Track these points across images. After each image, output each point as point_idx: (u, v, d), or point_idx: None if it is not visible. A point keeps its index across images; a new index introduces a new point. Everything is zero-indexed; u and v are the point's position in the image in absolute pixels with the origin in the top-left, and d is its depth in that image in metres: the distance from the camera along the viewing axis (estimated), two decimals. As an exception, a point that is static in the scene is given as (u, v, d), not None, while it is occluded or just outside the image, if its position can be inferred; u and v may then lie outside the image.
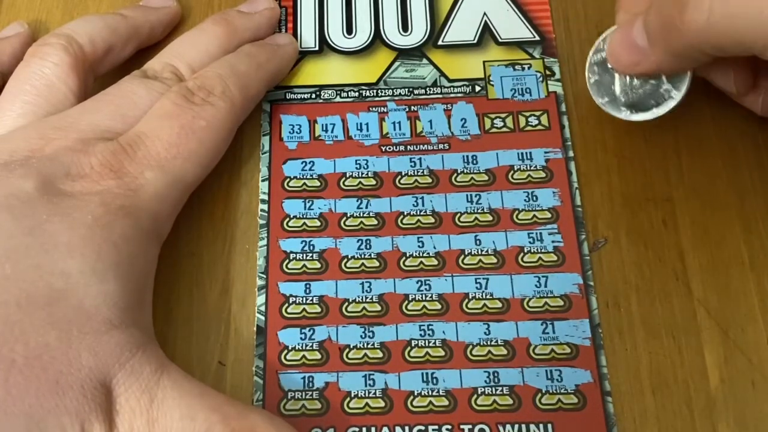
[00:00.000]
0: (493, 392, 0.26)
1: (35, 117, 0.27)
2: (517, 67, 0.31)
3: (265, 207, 0.29)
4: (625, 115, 0.28)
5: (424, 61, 0.32)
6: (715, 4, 0.23)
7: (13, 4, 0.34)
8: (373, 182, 0.30)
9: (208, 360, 0.27)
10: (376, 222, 0.29)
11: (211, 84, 0.27)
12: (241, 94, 0.28)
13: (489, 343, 0.27)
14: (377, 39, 0.33)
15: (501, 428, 0.25)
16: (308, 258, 0.28)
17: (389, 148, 0.30)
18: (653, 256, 0.28)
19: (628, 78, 0.27)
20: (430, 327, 0.27)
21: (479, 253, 0.28)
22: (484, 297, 0.27)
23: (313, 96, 0.31)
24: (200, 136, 0.26)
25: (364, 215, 0.29)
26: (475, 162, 0.30)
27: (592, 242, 0.28)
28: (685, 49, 0.25)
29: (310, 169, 0.30)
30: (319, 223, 0.29)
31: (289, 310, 0.27)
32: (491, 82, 0.31)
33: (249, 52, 0.30)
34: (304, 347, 0.27)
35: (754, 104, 0.28)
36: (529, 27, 0.32)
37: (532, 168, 0.29)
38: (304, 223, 0.29)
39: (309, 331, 0.27)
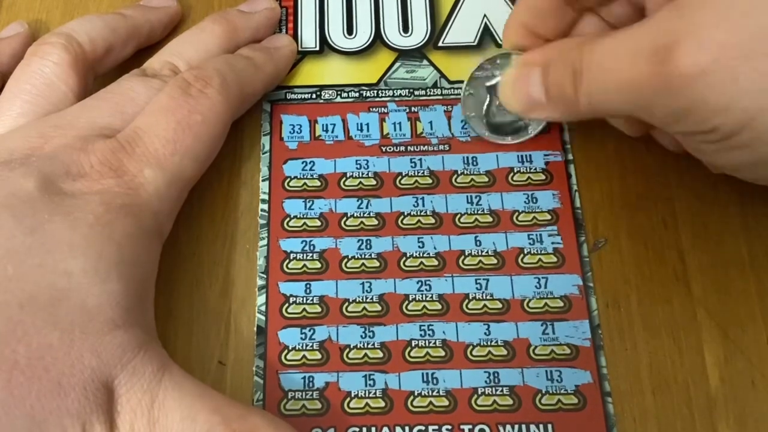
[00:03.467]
0: (493, 392, 0.26)
1: (35, 116, 0.27)
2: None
3: (265, 207, 0.29)
4: (485, 134, 0.30)
5: (425, 62, 0.32)
6: (591, 83, 0.24)
7: (13, 4, 0.34)
8: (374, 182, 0.30)
9: (208, 360, 0.27)
10: (376, 222, 0.29)
11: (209, 75, 0.27)
12: (237, 89, 0.28)
13: (489, 343, 0.27)
14: (378, 40, 0.33)
15: (501, 428, 0.25)
16: (308, 258, 0.28)
17: (390, 149, 0.30)
18: (653, 256, 0.28)
19: (496, 103, 0.29)
20: (431, 327, 0.27)
21: (479, 253, 0.28)
22: (484, 297, 0.27)
23: (314, 96, 0.31)
24: (196, 131, 0.26)
25: (365, 215, 0.29)
26: (475, 163, 0.30)
27: (592, 242, 0.28)
28: (579, 117, 0.26)
29: (310, 169, 0.30)
30: (319, 223, 0.29)
31: (289, 310, 0.27)
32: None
33: (246, 54, 0.30)
34: (304, 347, 0.27)
35: (662, 141, 0.29)
36: (530, 28, 0.32)
37: (531, 170, 0.30)
38: (305, 223, 0.29)
39: (309, 331, 0.27)
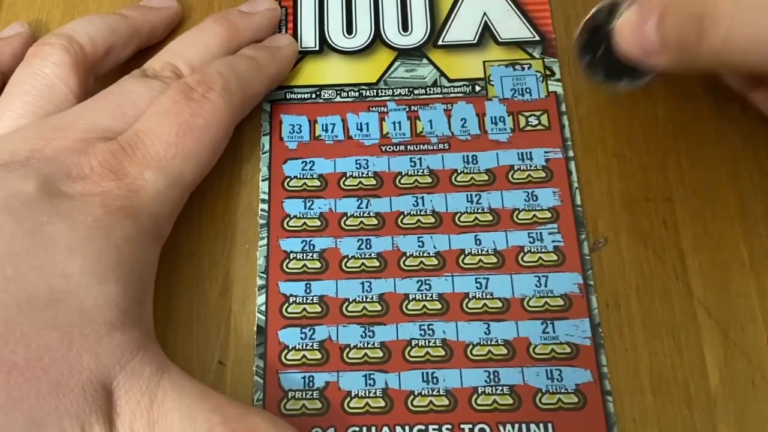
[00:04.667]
0: (494, 392, 0.26)
1: (35, 117, 0.27)
2: (517, 67, 0.31)
3: (265, 207, 0.29)
4: (599, 79, 0.28)
5: (424, 61, 0.32)
6: (733, 29, 0.22)
7: (13, 4, 0.34)
8: (374, 182, 0.30)
9: (208, 360, 0.27)
10: (376, 222, 0.29)
11: (211, 80, 0.27)
12: (239, 93, 0.28)
13: (489, 342, 0.27)
14: (377, 39, 0.33)
15: (501, 428, 0.25)
16: (308, 258, 0.28)
17: (389, 148, 0.30)
18: (653, 256, 0.28)
19: (612, 49, 0.27)
20: (431, 327, 0.27)
21: (479, 252, 0.28)
22: (484, 297, 0.27)
23: (314, 96, 0.31)
24: (198, 135, 0.26)
25: (365, 215, 0.29)
26: (475, 162, 0.30)
27: (592, 242, 0.28)
28: (697, 65, 0.25)
29: (310, 169, 0.30)
30: (319, 223, 0.29)
31: (289, 310, 0.28)
32: (491, 82, 0.31)
33: (249, 54, 0.30)
34: (304, 347, 0.27)
35: (761, 102, 0.28)
36: (529, 27, 0.32)
37: (532, 168, 0.29)
38: (305, 223, 0.29)
39: (309, 330, 0.27)
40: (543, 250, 0.28)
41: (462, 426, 0.26)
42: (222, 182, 0.30)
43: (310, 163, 0.30)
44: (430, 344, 0.27)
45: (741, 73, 0.27)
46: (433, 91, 0.31)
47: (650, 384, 0.26)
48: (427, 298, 0.28)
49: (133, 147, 0.25)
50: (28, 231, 0.22)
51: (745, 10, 0.22)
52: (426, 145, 0.30)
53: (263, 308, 0.28)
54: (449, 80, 0.31)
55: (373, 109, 0.31)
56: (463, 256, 0.28)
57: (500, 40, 0.32)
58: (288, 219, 0.29)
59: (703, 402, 0.26)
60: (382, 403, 0.26)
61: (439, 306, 0.27)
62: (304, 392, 0.26)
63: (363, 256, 0.28)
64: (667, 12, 0.24)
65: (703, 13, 0.23)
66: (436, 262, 0.28)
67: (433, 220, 0.29)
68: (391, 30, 0.33)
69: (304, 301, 0.28)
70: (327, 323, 0.27)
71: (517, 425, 0.25)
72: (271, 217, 0.29)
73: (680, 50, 0.24)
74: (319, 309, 0.27)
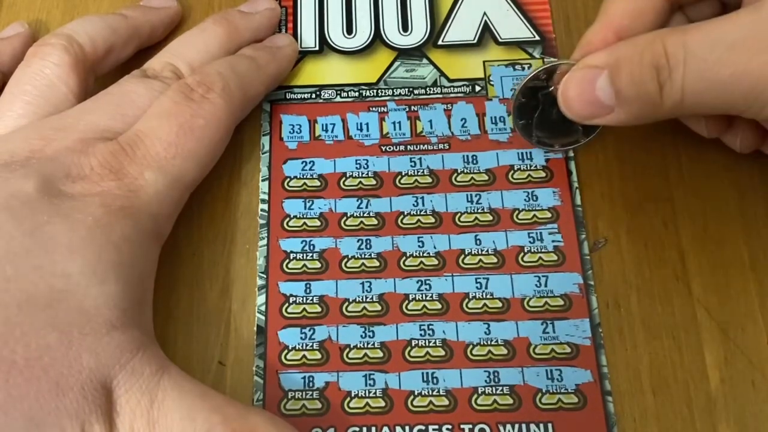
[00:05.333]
0: (494, 392, 0.26)
1: (36, 117, 0.27)
2: (517, 67, 0.31)
3: (265, 207, 0.29)
4: (534, 142, 0.29)
5: (424, 61, 0.32)
6: (688, 76, 0.22)
7: (13, 4, 0.34)
8: (373, 182, 0.30)
9: (208, 360, 0.27)
10: (376, 222, 0.29)
11: (211, 80, 0.27)
12: (240, 93, 0.28)
13: (489, 342, 0.27)
14: (377, 39, 0.33)
15: (501, 428, 0.25)
16: (308, 258, 0.28)
17: (389, 148, 0.30)
18: (653, 256, 0.28)
19: (549, 111, 0.28)
20: (431, 327, 0.27)
21: (479, 252, 0.28)
22: (484, 297, 0.27)
23: (313, 96, 0.31)
24: (198, 135, 0.26)
25: (364, 215, 0.29)
26: (475, 162, 0.30)
27: (592, 243, 0.28)
28: (658, 117, 0.25)
29: (310, 169, 0.30)
30: (319, 223, 0.29)
31: (289, 310, 0.27)
32: (491, 82, 0.31)
33: (249, 54, 0.30)
34: (304, 347, 0.27)
35: (732, 143, 0.28)
36: (529, 27, 0.32)
37: (532, 168, 0.29)
38: (304, 223, 0.29)
39: (309, 330, 0.27)
40: (543, 250, 0.28)
41: (462, 426, 0.26)
42: (222, 182, 0.30)
43: (310, 163, 0.30)
44: (430, 344, 0.27)
45: (708, 118, 0.27)
46: (433, 91, 0.31)
47: (650, 384, 0.26)
48: (427, 298, 0.27)
49: (133, 147, 0.25)
50: (28, 231, 0.22)
51: (693, 57, 0.22)
52: (426, 145, 0.30)
53: (263, 308, 0.28)
54: (449, 80, 0.31)
55: (373, 109, 0.31)
56: (463, 256, 0.28)
57: (500, 40, 0.32)
58: (288, 219, 0.29)
59: (703, 402, 0.26)
60: (382, 404, 0.26)
61: (439, 306, 0.27)
62: (304, 392, 0.26)
63: (363, 256, 0.28)
64: (618, 66, 0.24)
65: (660, 65, 0.23)
66: (436, 262, 0.28)
67: (433, 220, 0.29)
68: (391, 30, 0.33)
69: (304, 301, 0.28)
70: (327, 323, 0.27)
71: (517, 425, 0.25)
72: (271, 217, 0.29)
73: (640, 104, 0.24)
74: (319, 309, 0.27)
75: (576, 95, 0.26)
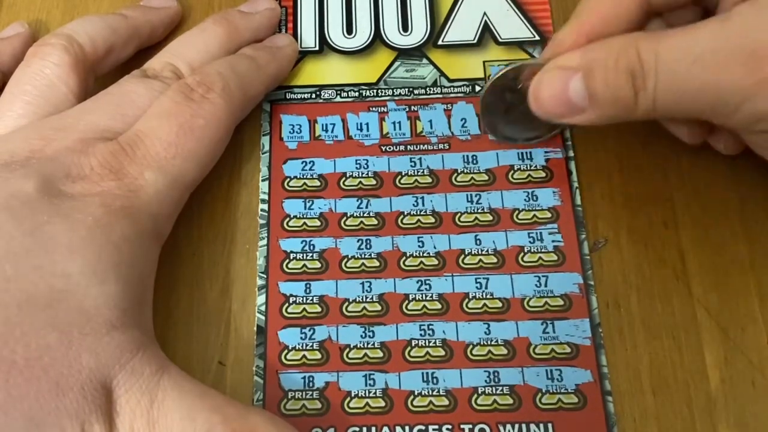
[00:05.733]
0: (494, 392, 0.26)
1: (36, 117, 0.27)
2: (517, 66, 0.31)
3: (265, 207, 0.29)
4: (496, 137, 0.30)
5: (424, 61, 0.32)
6: (660, 82, 0.23)
7: (13, 4, 0.34)
8: (373, 182, 0.30)
9: (208, 360, 0.27)
10: (376, 222, 0.29)
11: (211, 80, 0.27)
12: (240, 93, 0.28)
13: (489, 342, 0.27)
14: (377, 39, 0.33)
15: (501, 428, 0.25)
16: (308, 258, 0.28)
17: (389, 148, 0.30)
18: (653, 256, 0.28)
19: (517, 110, 0.28)
20: (431, 327, 0.27)
21: (479, 252, 0.28)
22: (484, 297, 0.27)
23: (313, 96, 0.31)
24: (198, 135, 0.26)
25: (364, 215, 0.29)
26: (475, 162, 0.30)
27: (593, 243, 0.28)
28: (632, 119, 0.25)
29: (310, 169, 0.30)
30: (319, 223, 0.29)
31: (289, 310, 0.27)
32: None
33: (249, 54, 0.30)
34: (304, 347, 0.27)
35: (717, 145, 0.28)
36: (529, 27, 0.32)
37: (532, 168, 0.29)
38: (304, 223, 0.29)
39: (309, 330, 0.27)
40: (543, 250, 0.28)
41: (462, 426, 0.26)
42: (222, 182, 0.30)
43: (310, 163, 0.30)
44: (430, 344, 0.27)
45: (688, 125, 0.28)
46: (433, 91, 0.31)
47: (650, 384, 0.26)
48: (427, 298, 0.27)
49: (133, 147, 0.25)
50: (28, 231, 0.22)
51: (664, 66, 0.23)
52: (426, 145, 0.30)
53: (263, 308, 0.28)
54: (449, 80, 0.31)
55: (373, 109, 0.31)
56: (463, 256, 0.28)
57: (500, 40, 0.32)
58: (288, 219, 0.29)
59: (703, 402, 0.26)
60: (382, 403, 0.26)
61: (439, 306, 0.27)
62: (304, 392, 0.26)
63: (363, 256, 0.28)
64: (592, 68, 0.24)
65: (635, 71, 0.23)
66: (436, 262, 0.28)
67: (433, 220, 0.29)
68: (391, 30, 0.33)
69: (304, 301, 0.28)
70: (327, 323, 0.27)
71: (517, 425, 0.25)
72: (271, 217, 0.29)
73: (614, 107, 0.24)
74: (319, 309, 0.27)
75: (548, 96, 0.26)
